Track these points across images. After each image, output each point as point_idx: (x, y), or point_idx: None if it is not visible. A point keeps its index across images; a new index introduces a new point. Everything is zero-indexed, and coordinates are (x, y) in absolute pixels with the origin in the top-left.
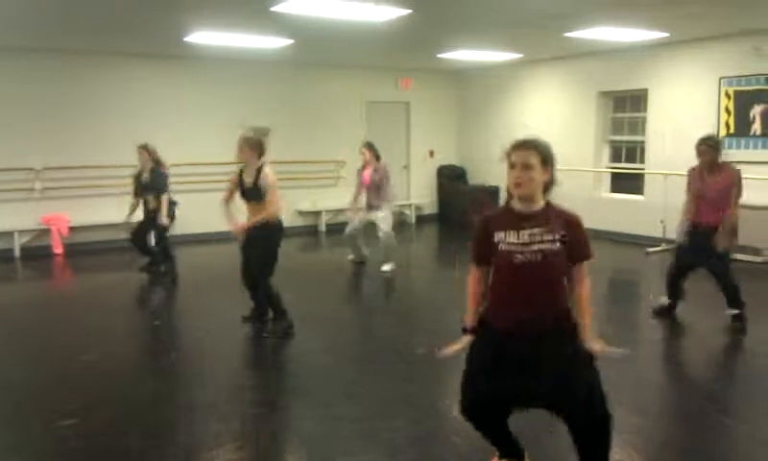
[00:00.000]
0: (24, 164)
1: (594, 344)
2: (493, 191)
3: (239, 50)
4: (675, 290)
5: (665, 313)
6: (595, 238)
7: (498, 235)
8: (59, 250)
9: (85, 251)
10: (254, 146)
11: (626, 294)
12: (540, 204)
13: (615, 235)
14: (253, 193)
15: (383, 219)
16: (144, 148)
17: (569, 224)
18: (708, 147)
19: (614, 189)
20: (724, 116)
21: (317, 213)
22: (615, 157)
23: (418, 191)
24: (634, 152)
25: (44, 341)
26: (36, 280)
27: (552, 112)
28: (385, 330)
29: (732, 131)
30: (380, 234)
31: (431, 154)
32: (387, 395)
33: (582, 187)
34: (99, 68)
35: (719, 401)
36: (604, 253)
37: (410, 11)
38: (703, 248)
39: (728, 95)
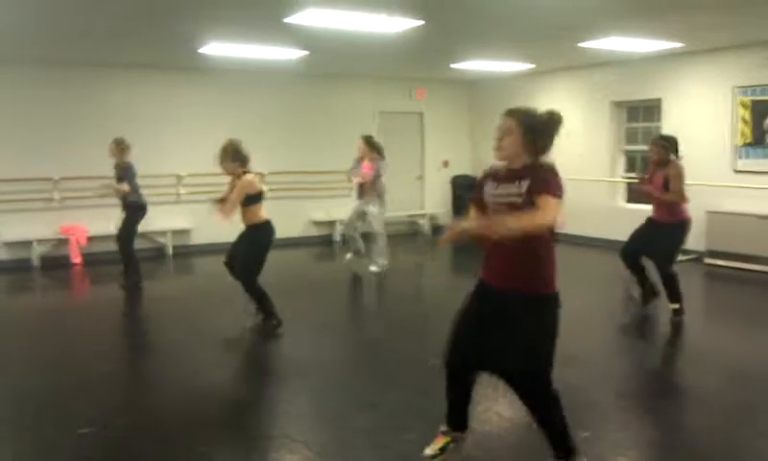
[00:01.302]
0: (42, 174)
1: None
2: None
3: (253, 61)
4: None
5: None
6: (610, 248)
7: (486, 186)
8: (77, 259)
9: (104, 260)
10: (233, 155)
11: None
12: (523, 164)
13: None
14: (248, 198)
15: (375, 217)
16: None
17: (537, 173)
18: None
19: (630, 199)
20: (739, 126)
21: (331, 223)
22: (630, 166)
23: (432, 201)
24: (648, 161)
25: (62, 350)
26: (55, 290)
27: (566, 123)
28: (398, 341)
29: (747, 140)
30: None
31: (445, 164)
32: (400, 407)
33: (597, 197)
34: (116, 80)
35: (739, 414)
36: (618, 262)
37: (423, 22)
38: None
39: (743, 105)
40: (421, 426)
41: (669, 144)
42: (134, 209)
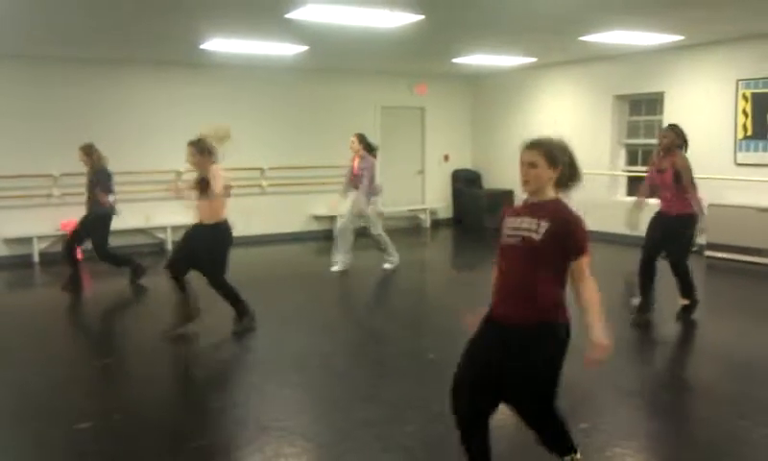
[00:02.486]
0: (43, 171)
1: (596, 346)
2: (508, 194)
3: (254, 57)
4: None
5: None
6: (612, 242)
7: (505, 221)
8: (77, 255)
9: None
10: (202, 150)
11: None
12: (548, 198)
13: (632, 239)
14: (202, 185)
15: (370, 222)
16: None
17: (563, 219)
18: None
19: (631, 193)
20: (741, 119)
21: (331, 218)
22: (632, 160)
23: (433, 196)
24: (650, 155)
25: (62, 345)
26: (55, 286)
27: (567, 116)
28: (398, 334)
29: (749, 133)
30: (372, 232)
31: (446, 158)
32: (400, 399)
33: (598, 191)
34: (116, 76)
35: (737, 405)
36: (620, 256)
37: (423, 16)
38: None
39: (745, 97)
40: (421, 419)
41: (682, 134)
42: (107, 217)
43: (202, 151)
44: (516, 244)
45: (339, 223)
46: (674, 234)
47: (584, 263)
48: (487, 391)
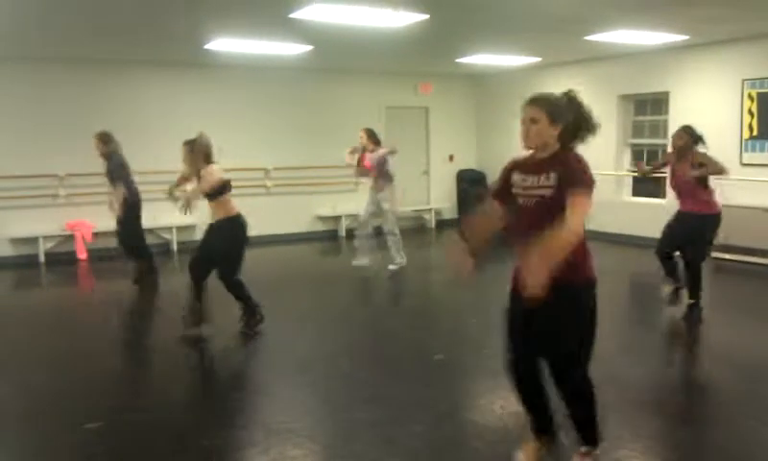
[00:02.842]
0: (48, 171)
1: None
2: None
3: (259, 57)
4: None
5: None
6: (616, 242)
7: (514, 176)
8: (83, 255)
9: (109, 256)
10: (197, 150)
11: (646, 297)
12: (554, 151)
13: (637, 239)
14: (212, 192)
15: (388, 214)
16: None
17: (566, 164)
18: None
19: (636, 193)
20: (747, 118)
21: (336, 218)
22: (637, 160)
23: (437, 196)
24: (655, 155)
25: (69, 346)
26: (61, 286)
27: None
28: (404, 334)
29: (755, 133)
30: (385, 230)
31: (451, 158)
32: (406, 399)
33: (603, 191)
34: (121, 76)
35: (745, 404)
36: (626, 256)
37: (428, 16)
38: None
39: (751, 97)
40: (428, 419)
41: (695, 134)
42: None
43: (197, 151)
44: (531, 206)
45: (384, 225)
46: (696, 231)
47: (576, 198)
48: (531, 344)
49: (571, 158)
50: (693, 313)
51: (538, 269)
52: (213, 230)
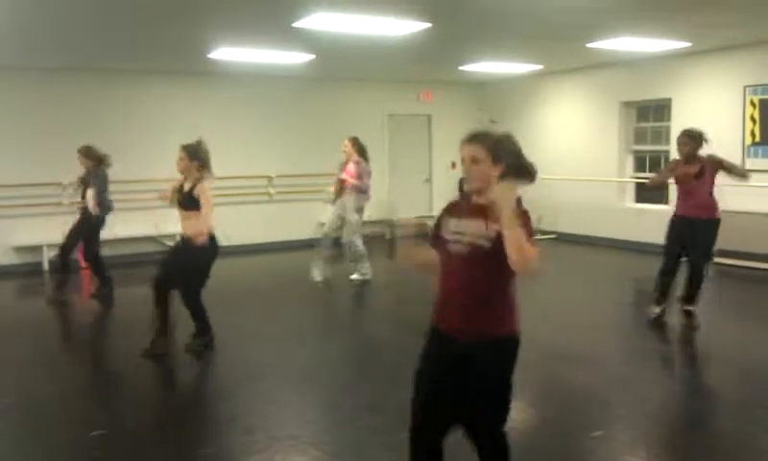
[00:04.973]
0: (52, 179)
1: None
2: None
3: (262, 65)
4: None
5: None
6: (620, 248)
7: (447, 222)
8: (86, 264)
9: (113, 264)
10: (192, 155)
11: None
12: (486, 199)
13: (641, 245)
14: (188, 201)
15: (350, 224)
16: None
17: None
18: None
19: (639, 199)
20: (749, 125)
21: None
22: (639, 166)
23: (440, 203)
24: (658, 161)
25: (71, 354)
26: (64, 294)
27: (575, 123)
28: (406, 343)
29: (757, 139)
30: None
31: (453, 166)
32: (409, 407)
33: (606, 197)
34: (125, 85)
35: (752, 413)
36: (629, 262)
37: (430, 24)
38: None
39: (753, 103)
40: None
41: (698, 137)
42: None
43: (192, 157)
44: (461, 252)
45: (344, 235)
46: (701, 235)
47: (527, 235)
48: (444, 411)
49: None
50: (688, 321)
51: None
52: (186, 249)
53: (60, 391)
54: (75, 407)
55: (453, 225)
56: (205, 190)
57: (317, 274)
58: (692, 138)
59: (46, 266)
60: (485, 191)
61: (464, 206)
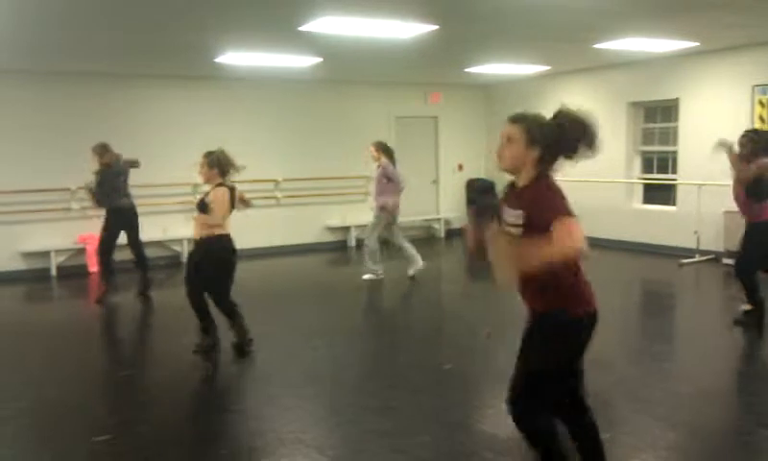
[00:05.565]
0: (60, 185)
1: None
2: None
3: (268, 69)
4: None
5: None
6: (628, 249)
7: (503, 210)
8: (94, 268)
9: (121, 269)
10: (212, 163)
11: (660, 306)
12: (528, 181)
13: (648, 247)
14: (201, 205)
15: (370, 223)
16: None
17: (535, 195)
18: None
19: (647, 200)
20: (758, 125)
21: (346, 228)
22: (647, 167)
23: (446, 205)
24: (666, 162)
25: (80, 359)
26: (72, 299)
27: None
28: (413, 345)
29: None
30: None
31: (460, 167)
32: (416, 410)
33: (614, 198)
34: (132, 90)
35: (759, 414)
36: (637, 264)
37: (437, 26)
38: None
39: (761, 103)
40: (436, 430)
41: (760, 139)
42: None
43: (212, 165)
44: (510, 239)
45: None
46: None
47: (561, 225)
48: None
49: (542, 187)
50: (743, 319)
51: (508, 266)
52: (195, 250)
53: (67, 396)
54: (83, 411)
55: (505, 213)
56: (218, 196)
57: (370, 271)
58: (753, 139)
59: (54, 272)
60: (519, 172)
61: (509, 193)
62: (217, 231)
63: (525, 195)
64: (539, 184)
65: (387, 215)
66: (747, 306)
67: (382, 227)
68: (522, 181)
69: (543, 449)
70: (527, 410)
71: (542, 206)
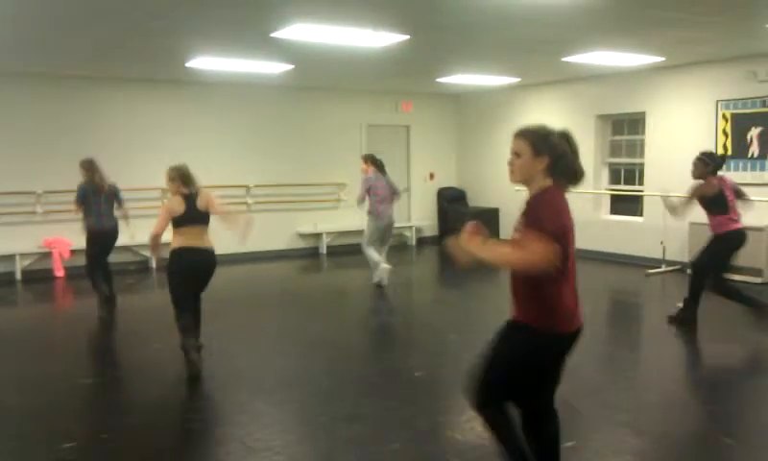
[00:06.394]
0: (26, 188)
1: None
2: (493, 212)
3: (240, 75)
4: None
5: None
6: (596, 259)
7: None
8: (60, 273)
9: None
10: (171, 177)
11: (626, 315)
12: (535, 190)
13: (616, 257)
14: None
15: (364, 236)
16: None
17: (528, 207)
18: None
19: (614, 211)
20: (721, 138)
21: (317, 235)
22: (614, 179)
23: (418, 213)
24: (633, 174)
25: (43, 364)
26: (37, 304)
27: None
28: (384, 352)
29: (729, 153)
30: None
31: (431, 176)
32: (386, 417)
33: (581, 209)
34: (101, 93)
35: (722, 423)
36: (604, 274)
37: (408, 36)
38: None
39: (725, 118)
40: (407, 437)
41: (708, 161)
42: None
43: (172, 179)
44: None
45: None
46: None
47: (521, 238)
48: None
49: (540, 198)
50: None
51: (464, 250)
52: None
53: (31, 402)
54: (46, 419)
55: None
56: (165, 205)
57: (377, 275)
58: (702, 160)
59: (19, 276)
60: (528, 183)
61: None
62: (175, 243)
63: (527, 203)
64: (540, 195)
65: (376, 221)
66: (681, 304)
67: (372, 233)
68: (532, 191)
69: (500, 437)
70: (483, 400)
71: (530, 215)
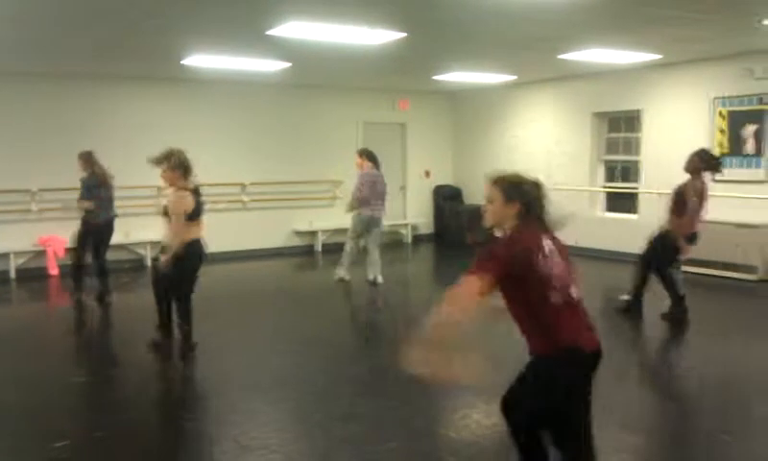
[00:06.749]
0: (21, 186)
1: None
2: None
3: (236, 72)
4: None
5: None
6: (591, 256)
7: None
8: (54, 271)
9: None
10: (173, 166)
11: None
12: (503, 233)
13: (611, 254)
14: (166, 212)
15: (349, 231)
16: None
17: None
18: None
19: (610, 208)
20: (717, 136)
21: (313, 233)
22: (610, 176)
23: (414, 211)
24: (628, 171)
25: (37, 363)
26: (31, 302)
27: (547, 133)
28: (380, 351)
29: (725, 150)
30: None
31: (427, 174)
32: (382, 416)
33: (577, 207)
34: (97, 91)
35: (719, 419)
36: (599, 271)
37: (405, 34)
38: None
39: (721, 115)
40: (404, 436)
41: (705, 158)
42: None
43: (173, 168)
44: None
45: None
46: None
47: (464, 281)
48: None
49: (505, 236)
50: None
51: (418, 345)
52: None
53: (25, 401)
54: (39, 417)
55: None
56: (177, 203)
57: (342, 272)
58: (697, 155)
59: (13, 274)
60: (501, 227)
61: None
62: (189, 237)
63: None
64: (508, 234)
65: (366, 217)
66: (627, 296)
67: (356, 226)
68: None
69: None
70: (516, 420)
71: (481, 253)
